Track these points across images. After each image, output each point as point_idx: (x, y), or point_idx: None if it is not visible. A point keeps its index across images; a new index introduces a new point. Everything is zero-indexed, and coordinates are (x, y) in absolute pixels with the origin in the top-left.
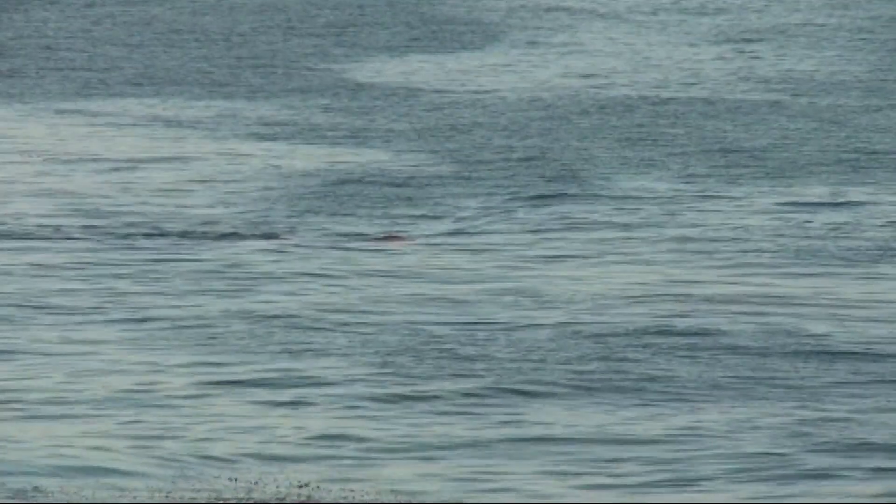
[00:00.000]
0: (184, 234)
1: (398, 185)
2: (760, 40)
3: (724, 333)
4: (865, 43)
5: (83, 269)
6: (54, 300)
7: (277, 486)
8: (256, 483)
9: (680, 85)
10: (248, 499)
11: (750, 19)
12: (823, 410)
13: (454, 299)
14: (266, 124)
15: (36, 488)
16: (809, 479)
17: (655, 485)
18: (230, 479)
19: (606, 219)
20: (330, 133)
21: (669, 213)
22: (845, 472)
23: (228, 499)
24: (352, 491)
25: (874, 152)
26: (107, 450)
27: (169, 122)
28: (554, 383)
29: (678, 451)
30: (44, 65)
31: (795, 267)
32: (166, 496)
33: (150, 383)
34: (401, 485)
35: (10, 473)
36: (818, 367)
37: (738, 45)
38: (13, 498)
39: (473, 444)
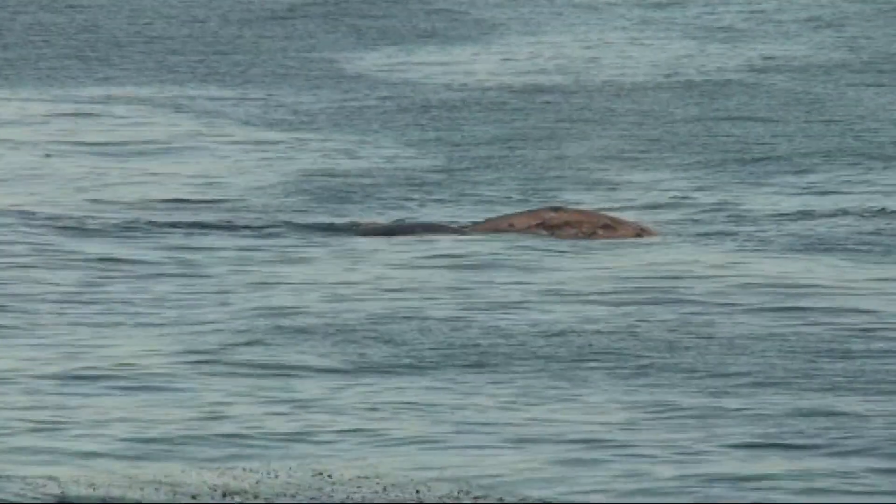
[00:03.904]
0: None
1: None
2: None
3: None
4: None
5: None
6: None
7: (290, 475)
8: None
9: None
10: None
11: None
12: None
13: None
14: (260, 114)
15: (52, 478)
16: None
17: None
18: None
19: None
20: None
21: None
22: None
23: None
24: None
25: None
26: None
27: (153, 110)
28: None
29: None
30: (43, 52)
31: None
32: (172, 490)
33: (148, 369)
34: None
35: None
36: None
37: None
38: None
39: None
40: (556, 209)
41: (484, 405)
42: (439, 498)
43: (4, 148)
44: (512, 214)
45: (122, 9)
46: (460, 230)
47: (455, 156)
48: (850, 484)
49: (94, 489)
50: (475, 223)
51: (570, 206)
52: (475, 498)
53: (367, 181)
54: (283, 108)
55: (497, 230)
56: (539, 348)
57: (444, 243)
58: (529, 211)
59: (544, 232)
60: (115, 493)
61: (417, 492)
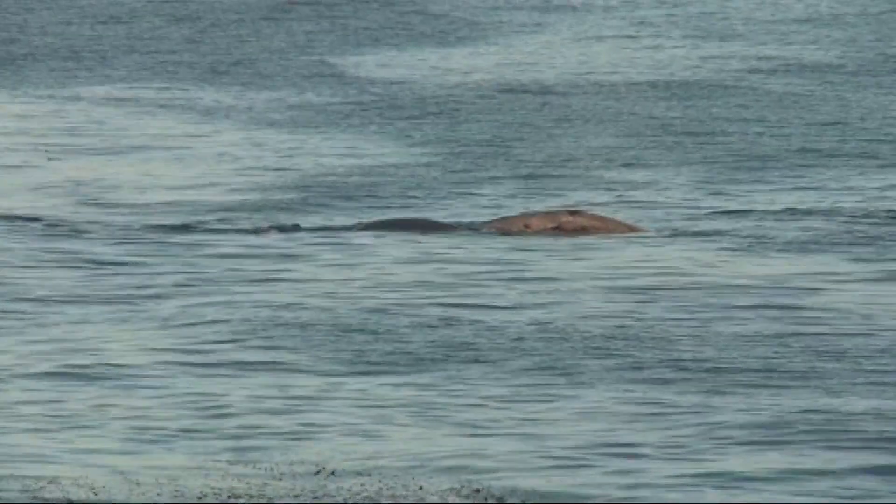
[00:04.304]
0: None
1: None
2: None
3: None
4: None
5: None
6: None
7: (294, 475)
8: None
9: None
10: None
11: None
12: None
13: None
14: (256, 113)
15: (52, 481)
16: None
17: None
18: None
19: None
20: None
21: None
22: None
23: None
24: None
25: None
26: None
27: (152, 111)
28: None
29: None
30: (42, 51)
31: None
32: (175, 491)
33: (142, 365)
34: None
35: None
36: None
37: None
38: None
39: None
40: (573, 212)
41: (483, 403)
42: (441, 496)
43: (4, 148)
44: (528, 214)
45: (121, 9)
46: (472, 228)
47: (454, 155)
48: (845, 483)
49: (95, 492)
50: (488, 221)
51: (588, 211)
52: (475, 491)
53: (367, 180)
54: (283, 107)
55: (511, 230)
56: (537, 346)
57: (445, 241)
58: (546, 213)
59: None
60: (118, 494)
61: (420, 488)
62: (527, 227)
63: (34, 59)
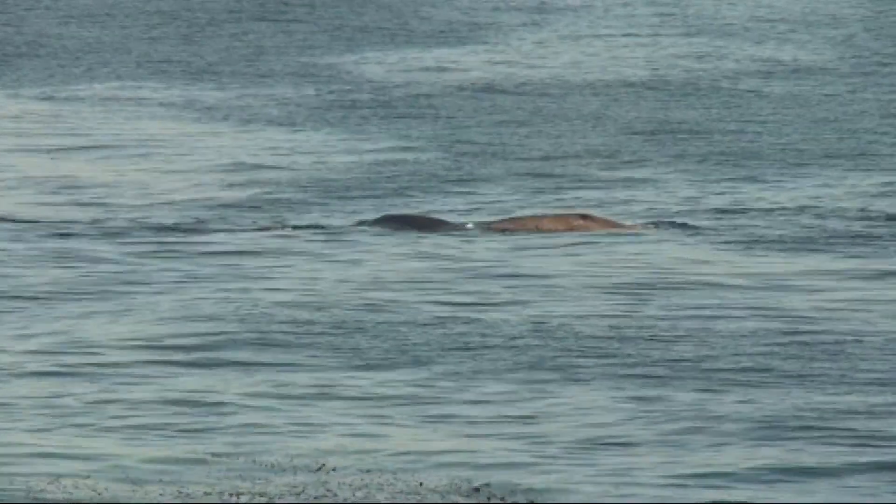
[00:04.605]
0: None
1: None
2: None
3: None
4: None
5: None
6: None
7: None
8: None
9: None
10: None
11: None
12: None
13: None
14: (249, 112)
15: (51, 481)
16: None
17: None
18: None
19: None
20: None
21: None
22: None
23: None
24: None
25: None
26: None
27: (151, 110)
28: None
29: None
30: (40, 51)
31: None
32: (178, 490)
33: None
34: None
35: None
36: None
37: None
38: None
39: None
40: (584, 216)
41: (481, 400)
42: (441, 493)
43: (3, 149)
44: (540, 216)
45: (119, 9)
46: (480, 227)
47: (452, 154)
48: (840, 480)
49: (96, 492)
50: (497, 220)
51: (598, 216)
52: (474, 490)
53: (365, 179)
54: (281, 106)
55: (522, 230)
56: (535, 344)
57: (444, 240)
58: (557, 215)
59: None
60: (119, 494)
61: (420, 484)
62: (538, 228)
63: (32, 59)
